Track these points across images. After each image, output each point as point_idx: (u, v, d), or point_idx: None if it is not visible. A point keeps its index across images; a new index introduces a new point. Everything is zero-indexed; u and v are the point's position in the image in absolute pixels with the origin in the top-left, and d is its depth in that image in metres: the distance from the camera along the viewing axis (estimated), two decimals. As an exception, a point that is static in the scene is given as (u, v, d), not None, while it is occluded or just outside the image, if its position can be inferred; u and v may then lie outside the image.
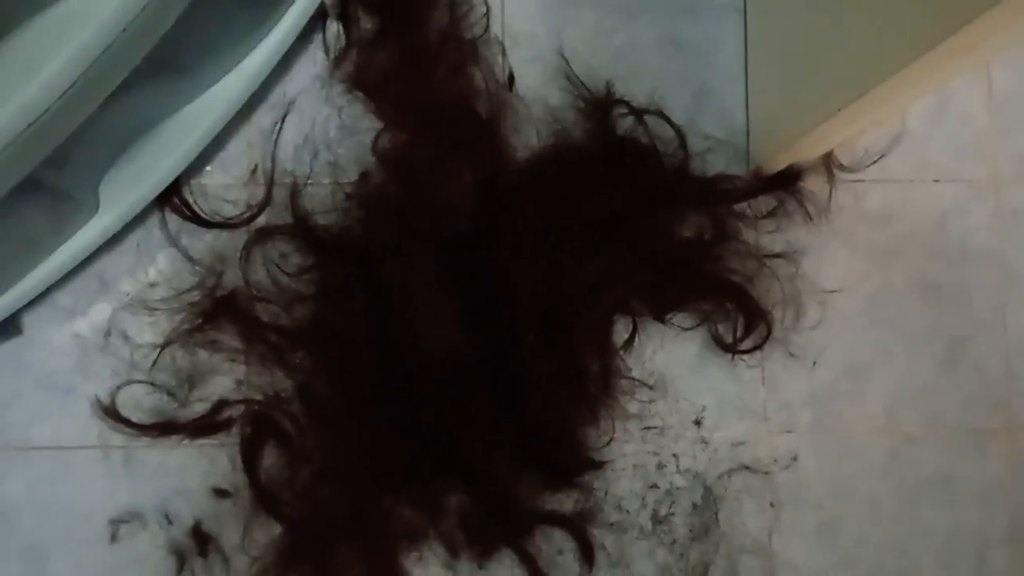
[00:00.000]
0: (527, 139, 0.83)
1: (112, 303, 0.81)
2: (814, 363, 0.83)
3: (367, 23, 0.83)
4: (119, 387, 0.79)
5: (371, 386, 0.76)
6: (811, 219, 0.84)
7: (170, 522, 0.78)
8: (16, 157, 0.56)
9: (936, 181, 0.86)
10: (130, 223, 0.79)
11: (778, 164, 0.82)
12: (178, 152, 0.78)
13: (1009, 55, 0.88)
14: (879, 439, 0.82)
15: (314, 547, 0.76)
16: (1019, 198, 0.87)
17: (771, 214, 0.83)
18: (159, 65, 0.73)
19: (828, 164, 0.84)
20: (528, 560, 0.77)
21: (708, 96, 0.85)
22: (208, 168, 0.83)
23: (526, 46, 0.85)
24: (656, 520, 0.80)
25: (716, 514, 0.80)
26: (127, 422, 0.78)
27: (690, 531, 0.80)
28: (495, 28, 0.85)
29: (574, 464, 0.78)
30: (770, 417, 0.82)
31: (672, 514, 0.80)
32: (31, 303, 0.78)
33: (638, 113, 0.83)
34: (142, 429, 0.78)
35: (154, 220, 0.82)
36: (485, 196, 0.79)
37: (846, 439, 0.82)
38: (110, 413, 0.78)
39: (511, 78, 0.84)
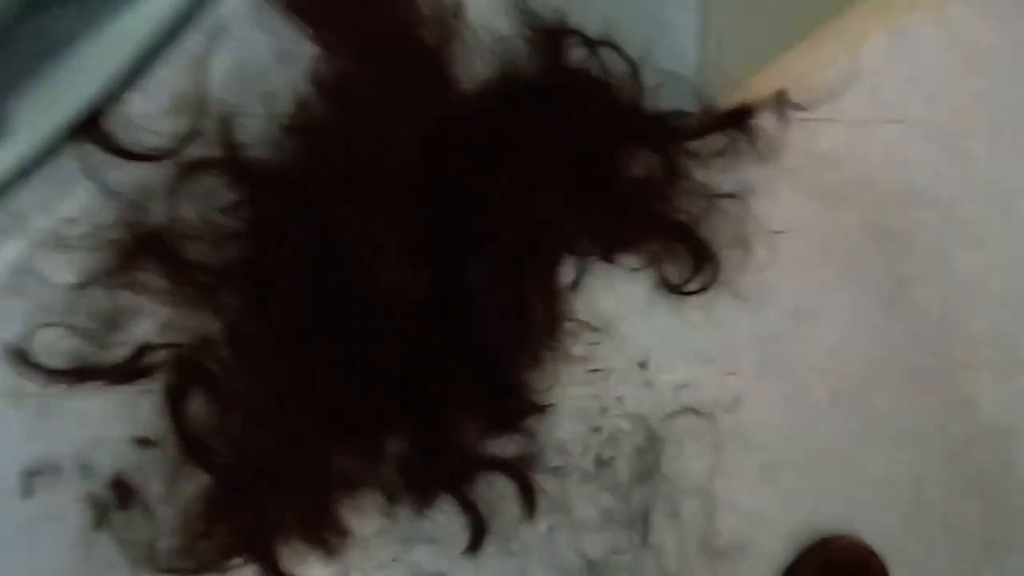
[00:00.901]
0: (475, 69, 0.80)
1: (25, 240, 0.75)
2: (760, 305, 0.82)
3: (303, -60, 0.79)
4: (33, 330, 0.74)
5: (306, 326, 0.72)
6: (762, 158, 0.82)
7: (89, 474, 0.74)
8: None
9: (888, 122, 0.85)
10: (44, 153, 0.74)
11: (730, 101, 0.80)
12: (97, 76, 0.73)
13: (963, -7, 0.87)
14: (823, 381, 0.82)
15: (244, 497, 0.72)
16: (969, 141, 0.87)
17: (722, 153, 0.82)
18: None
19: (781, 102, 0.82)
20: (469, 507, 0.75)
21: (661, 30, 0.83)
22: (131, 95, 0.77)
23: (473, -30, 0.81)
24: (599, 464, 0.79)
25: (659, 457, 0.79)
26: (41, 368, 0.73)
27: (633, 474, 0.79)
28: (440, -50, 0.81)
29: (517, 408, 0.76)
30: (715, 359, 0.81)
31: (615, 458, 0.79)
32: (-68, 238, 0.73)
33: (591, 44, 0.81)
34: (58, 375, 0.73)
35: (72, 151, 0.76)
36: (431, 127, 0.75)
37: (790, 381, 0.82)
38: (22, 358, 0.73)
39: (458, 4, 0.80)
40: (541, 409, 0.77)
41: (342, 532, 0.74)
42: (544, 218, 0.77)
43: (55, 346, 0.74)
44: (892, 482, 0.82)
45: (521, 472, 0.76)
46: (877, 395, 0.83)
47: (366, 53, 0.78)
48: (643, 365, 0.80)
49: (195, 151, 0.77)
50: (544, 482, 0.78)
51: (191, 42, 0.78)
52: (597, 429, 0.80)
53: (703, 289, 0.80)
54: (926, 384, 0.83)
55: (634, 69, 0.81)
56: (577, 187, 0.78)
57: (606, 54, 0.81)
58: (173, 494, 0.73)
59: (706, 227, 0.80)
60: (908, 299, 0.84)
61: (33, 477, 0.74)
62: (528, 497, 0.76)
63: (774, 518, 0.80)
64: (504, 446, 0.77)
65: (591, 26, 0.81)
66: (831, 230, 0.83)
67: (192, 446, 0.73)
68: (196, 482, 0.73)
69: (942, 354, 0.84)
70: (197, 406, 0.74)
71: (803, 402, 0.82)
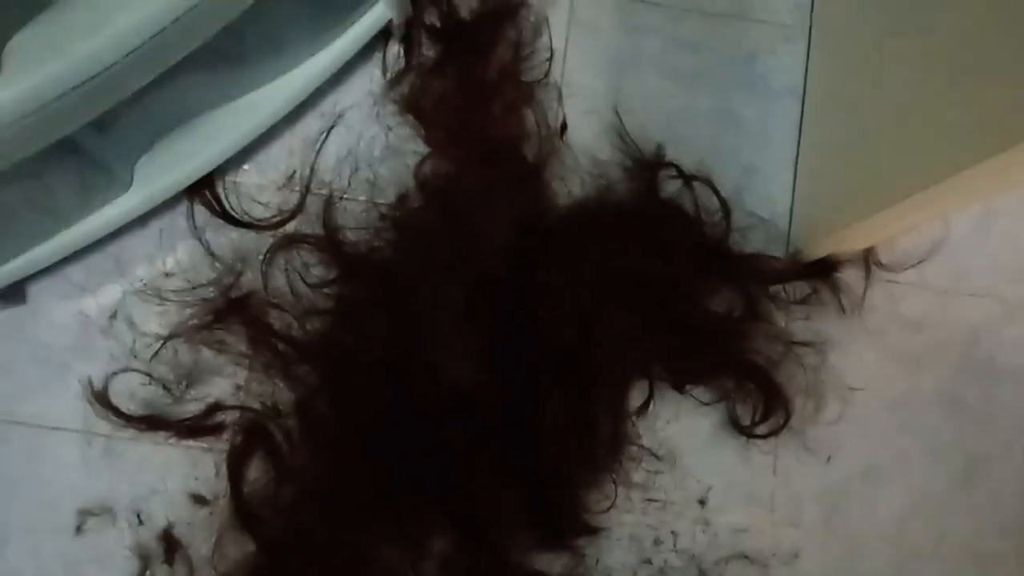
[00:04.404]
0: (570, 188, 0.82)
1: (124, 286, 0.79)
2: (828, 459, 0.80)
3: (428, 50, 0.84)
4: (114, 373, 0.76)
5: (375, 412, 0.73)
6: (843, 312, 0.82)
7: (141, 522, 0.74)
8: (74, 106, 0.55)
9: (972, 295, 0.85)
10: (157, 209, 0.78)
11: (817, 252, 0.81)
12: (219, 144, 0.77)
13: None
14: (885, 548, 0.79)
15: (285, 573, 0.72)
16: (1053, 324, 0.85)
17: (804, 301, 0.82)
18: (219, 53, 0.72)
19: (867, 260, 0.83)
20: (507, 621, 0.73)
21: (756, 174, 0.85)
22: (245, 167, 0.82)
23: (583, 97, 0.85)
24: (645, 598, 0.76)
25: (707, 602, 0.76)
26: (116, 410, 0.75)
27: (679, 616, 0.77)
28: (555, 75, 0.85)
29: (570, 525, 0.75)
30: (777, 508, 0.79)
31: (662, 595, 0.77)
32: (41, 272, 0.76)
33: (687, 178, 0.83)
34: (130, 420, 0.75)
35: (182, 209, 0.80)
36: (521, 237, 0.78)
37: (851, 543, 0.79)
38: (100, 399, 0.75)
39: (563, 126, 0.84)
40: (593, 531, 0.76)
41: (376, 623, 0.72)
42: (621, 339, 0.77)
43: (133, 392, 0.76)
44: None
45: (565, 594, 0.74)
46: (940, 571, 0.79)
47: (470, 159, 0.81)
48: (702, 502, 0.79)
49: (295, 226, 0.80)
50: (586, 608, 0.75)
51: (309, 124, 0.83)
52: (647, 561, 0.77)
53: (772, 434, 0.79)
54: (993, 566, 0.79)
55: (725, 208, 0.83)
56: (657, 313, 0.78)
57: (700, 190, 0.83)
58: (217, 556, 0.73)
59: (781, 372, 0.79)
60: (981, 476, 0.81)
61: (87, 517, 0.74)
62: (569, 621, 0.74)
63: None
64: (551, 563, 0.75)
65: (688, 162, 0.83)
66: (907, 394, 0.82)
67: (244, 512, 0.73)
68: (241, 549, 0.72)
69: (1011, 537, 0.80)
70: (256, 473, 0.74)
71: (862, 566, 0.78)
